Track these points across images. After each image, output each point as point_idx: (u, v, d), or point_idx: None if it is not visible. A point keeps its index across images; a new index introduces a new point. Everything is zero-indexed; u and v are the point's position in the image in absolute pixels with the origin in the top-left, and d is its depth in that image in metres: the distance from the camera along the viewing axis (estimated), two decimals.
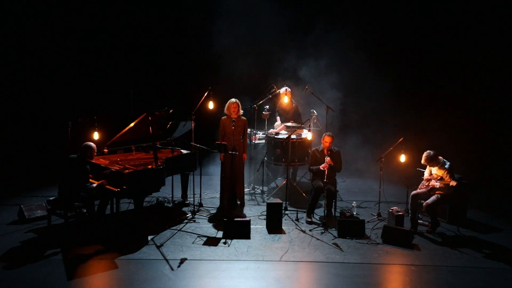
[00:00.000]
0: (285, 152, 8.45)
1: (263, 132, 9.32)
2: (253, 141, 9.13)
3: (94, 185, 6.87)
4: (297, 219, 7.70)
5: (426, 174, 7.53)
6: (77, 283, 5.72)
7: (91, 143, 6.90)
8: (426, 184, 7.37)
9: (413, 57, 10.88)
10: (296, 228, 7.40)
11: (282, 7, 10.11)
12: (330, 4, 10.59)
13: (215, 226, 7.39)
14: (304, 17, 10.49)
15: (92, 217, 6.96)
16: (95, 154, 7.00)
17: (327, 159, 7.62)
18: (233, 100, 8.02)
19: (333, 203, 7.87)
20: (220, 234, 7.09)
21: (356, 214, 7.96)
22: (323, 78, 9.84)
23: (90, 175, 6.99)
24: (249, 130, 8.61)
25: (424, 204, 7.24)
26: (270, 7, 10.09)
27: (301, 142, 8.69)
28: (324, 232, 7.28)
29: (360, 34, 10.20)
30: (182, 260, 6.26)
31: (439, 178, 7.29)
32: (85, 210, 7.02)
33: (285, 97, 8.99)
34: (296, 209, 7.96)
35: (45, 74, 10.73)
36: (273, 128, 9.24)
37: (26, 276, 5.83)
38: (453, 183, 7.04)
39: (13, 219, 7.48)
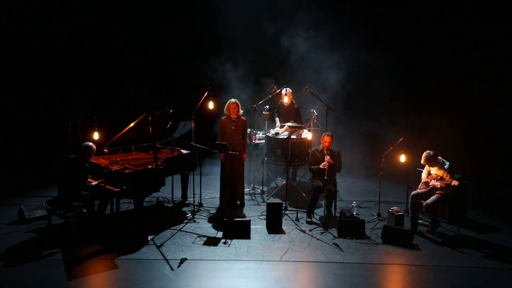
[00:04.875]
0: (285, 152, 8.45)
1: (263, 132, 9.32)
2: (253, 141, 9.13)
3: (94, 183, 6.87)
4: (297, 219, 7.70)
5: (423, 175, 7.52)
6: (77, 283, 5.72)
7: (91, 143, 6.89)
8: (427, 182, 7.37)
9: (414, 56, 10.87)
10: (296, 228, 7.40)
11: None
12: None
13: (215, 226, 7.39)
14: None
15: (92, 217, 6.95)
16: (94, 154, 6.99)
17: (327, 157, 7.63)
18: (232, 100, 8.03)
19: (333, 203, 7.87)
20: (220, 234, 7.09)
21: (356, 214, 7.96)
22: (322, 75, 9.88)
23: (89, 175, 6.99)
24: (249, 130, 8.61)
25: (424, 204, 7.24)
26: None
27: (301, 142, 8.68)
28: (324, 232, 7.28)
29: (360, 33, 10.22)
30: (182, 260, 6.27)
31: (439, 178, 7.29)
32: (85, 210, 7.02)
33: (285, 97, 9.00)
34: (296, 209, 7.96)
35: (45, 74, 10.74)
36: (273, 129, 9.22)
37: (26, 276, 5.83)
38: (454, 182, 7.02)
39: (13, 219, 7.47)
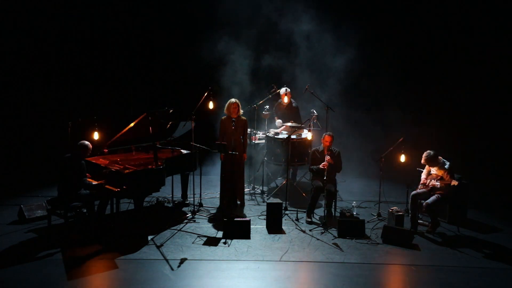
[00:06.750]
0: (285, 152, 8.46)
1: (263, 132, 9.32)
2: (253, 141, 9.13)
3: (94, 183, 6.87)
4: (297, 219, 7.70)
5: (423, 176, 7.52)
6: (77, 283, 5.72)
7: (87, 142, 6.89)
8: (426, 184, 7.37)
9: (414, 55, 10.86)
10: (296, 228, 7.40)
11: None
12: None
13: (215, 226, 7.39)
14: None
15: (92, 217, 6.95)
16: (89, 153, 6.98)
17: (327, 157, 7.63)
18: (233, 100, 8.03)
19: (333, 203, 7.87)
20: (220, 234, 7.09)
21: (356, 214, 7.95)
22: (321, 75, 9.87)
23: (89, 175, 6.99)
24: (249, 130, 8.61)
25: (424, 204, 7.24)
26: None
27: (301, 142, 8.68)
28: (324, 232, 7.28)
29: (361, 32, 10.22)
30: (182, 260, 6.27)
31: (439, 178, 7.29)
32: (85, 210, 7.03)
33: (285, 98, 9.00)
34: (296, 209, 7.96)
35: (45, 74, 10.73)
36: (274, 129, 9.23)
37: (26, 276, 5.83)
38: (454, 182, 7.02)
39: (13, 219, 7.47)
